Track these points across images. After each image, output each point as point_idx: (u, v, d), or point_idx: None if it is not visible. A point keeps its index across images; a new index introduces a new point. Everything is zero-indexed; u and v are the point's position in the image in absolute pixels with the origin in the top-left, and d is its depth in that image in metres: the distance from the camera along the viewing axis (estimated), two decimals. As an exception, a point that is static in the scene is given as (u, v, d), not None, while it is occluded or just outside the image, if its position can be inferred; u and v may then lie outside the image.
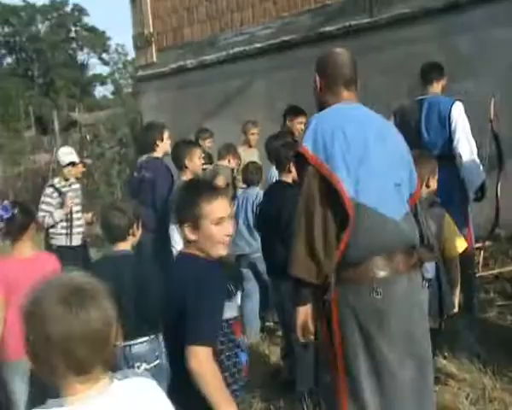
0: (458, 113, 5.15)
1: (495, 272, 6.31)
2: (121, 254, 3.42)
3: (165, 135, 5.66)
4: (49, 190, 6.17)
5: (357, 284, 2.74)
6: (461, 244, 4.16)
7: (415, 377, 2.78)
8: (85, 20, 54.00)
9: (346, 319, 2.75)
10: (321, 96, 3.02)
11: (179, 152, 5.25)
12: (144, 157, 5.66)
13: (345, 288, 2.75)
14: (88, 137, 19.76)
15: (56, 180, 6.28)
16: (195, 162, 5.19)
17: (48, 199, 6.11)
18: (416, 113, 5.32)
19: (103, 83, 54.55)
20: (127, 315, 3.22)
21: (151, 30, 11.25)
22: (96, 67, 78.89)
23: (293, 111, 6.12)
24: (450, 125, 5.13)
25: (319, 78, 3.02)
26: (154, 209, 5.30)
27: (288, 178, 4.50)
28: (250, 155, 6.89)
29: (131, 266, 3.38)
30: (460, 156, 5.08)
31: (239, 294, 2.83)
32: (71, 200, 6.05)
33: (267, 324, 5.83)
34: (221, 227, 2.51)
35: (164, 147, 5.61)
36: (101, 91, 53.61)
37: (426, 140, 5.17)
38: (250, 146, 7.16)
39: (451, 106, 5.15)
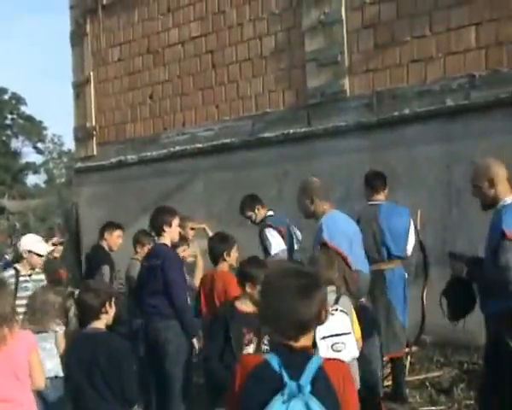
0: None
1: (421, 377, 6.45)
2: (94, 331, 3.56)
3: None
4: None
5: None
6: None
7: None
8: (23, 108, 53.81)
9: None
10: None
11: None
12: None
13: None
14: (17, 224, 19.35)
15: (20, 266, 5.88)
16: None
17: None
18: (376, 216, 5.71)
19: (36, 171, 53.79)
20: (98, 392, 3.34)
21: (93, 123, 11.40)
22: (30, 156, 77.80)
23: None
24: (408, 230, 5.78)
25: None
26: None
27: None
28: (192, 248, 6.96)
29: (104, 343, 3.52)
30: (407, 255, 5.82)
31: None
32: None
33: None
34: None
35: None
36: (33, 180, 52.58)
37: (387, 241, 5.65)
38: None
39: (409, 214, 5.86)
